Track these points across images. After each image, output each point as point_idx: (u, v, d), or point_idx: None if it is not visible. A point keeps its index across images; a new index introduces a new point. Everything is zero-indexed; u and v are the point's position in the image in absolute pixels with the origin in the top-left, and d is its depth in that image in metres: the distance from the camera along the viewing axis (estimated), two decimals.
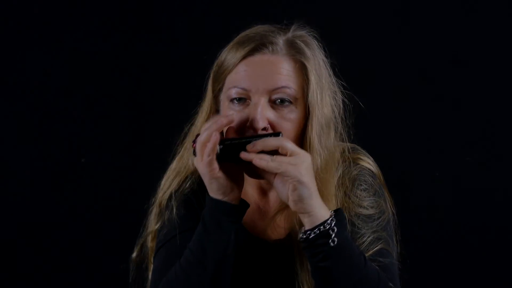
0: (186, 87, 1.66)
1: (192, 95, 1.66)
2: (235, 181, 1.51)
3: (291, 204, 1.46)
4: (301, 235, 1.47)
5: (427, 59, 2.59)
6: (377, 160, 1.70)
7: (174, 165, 1.70)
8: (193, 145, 1.51)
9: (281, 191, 1.48)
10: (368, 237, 1.58)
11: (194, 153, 1.50)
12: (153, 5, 2.63)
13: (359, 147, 1.69)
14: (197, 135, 1.51)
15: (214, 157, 1.46)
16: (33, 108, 2.63)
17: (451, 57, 2.59)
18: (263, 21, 1.62)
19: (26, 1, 2.59)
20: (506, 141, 2.58)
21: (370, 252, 1.56)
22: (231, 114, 1.51)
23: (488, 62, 2.57)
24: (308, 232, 1.46)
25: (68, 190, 2.64)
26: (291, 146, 1.46)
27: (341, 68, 1.63)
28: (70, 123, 2.63)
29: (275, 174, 1.47)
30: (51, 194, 2.64)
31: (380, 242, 1.58)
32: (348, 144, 1.65)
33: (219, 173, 1.47)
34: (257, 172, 1.49)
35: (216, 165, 1.47)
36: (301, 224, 1.50)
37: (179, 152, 1.69)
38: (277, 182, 1.48)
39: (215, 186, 1.49)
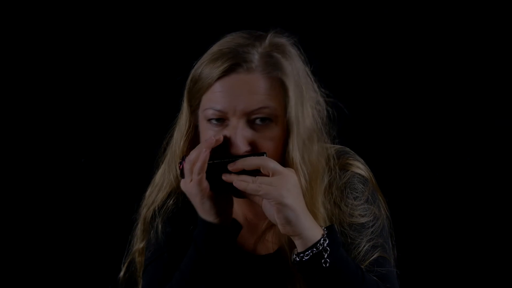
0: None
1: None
2: (226, 199, 1.47)
3: (279, 227, 1.42)
4: (294, 256, 1.44)
5: (426, 58, 2.52)
6: (375, 162, 1.64)
7: (157, 180, 1.66)
8: (179, 166, 1.47)
9: (269, 213, 1.44)
10: (364, 246, 1.53)
11: (182, 175, 1.46)
12: (147, 14, 2.59)
13: (348, 149, 1.63)
14: (183, 157, 1.47)
15: (204, 175, 1.42)
16: (33, 108, 2.60)
17: (450, 57, 2.51)
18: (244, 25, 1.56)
19: (26, 1, 2.56)
20: (506, 141, 2.52)
21: (367, 262, 1.52)
22: (217, 135, 1.46)
23: (489, 62, 2.50)
24: (301, 254, 1.42)
25: (68, 190, 2.61)
26: (273, 165, 1.41)
27: (325, 73, 1.56)
28: (70, 123, 2.60)
29: None
30: (50, 194, 2.61)
31: (377, 250, 1.54)
32: (336, 146, 1.59)
33: (210, 192, 1.43)
34: (242, 193, 1.44)
35: (206, 184, 1.43)
36: (291, 241, 1.46)
37: (161, 166, 1.65)
38: (265, 203, 1.44)
39: (207, 207, 1.45)
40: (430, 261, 2.55)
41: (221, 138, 1.45)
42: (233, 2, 2.49)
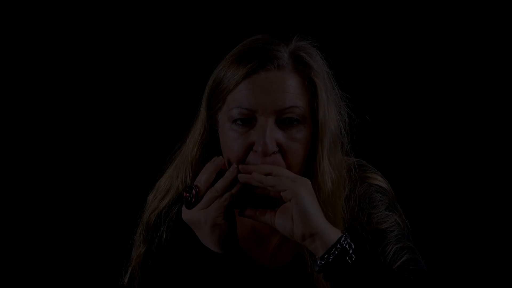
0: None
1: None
2: (231, 227, 1.43)
3: (298, 229, 1.35)
4: (318, 262, 1.35)
5: (431, 59, 2.52)
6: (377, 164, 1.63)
7: (161, 185, 1.61)
8: (187, 195, 1.41)
9: (284, 225, 1.38)
10: (390, 250, 1.47)
11: (191, 204, 1.41)
12: (154, 17, 2.57)
13: (364, 162, 1.60)
14: (191, 186, 1.42)
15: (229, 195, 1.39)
16: (33, 108, 2.57)
17: (452, 59, 2.52)
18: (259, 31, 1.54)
19: (25, 1, 2.53)
20: (506, 141, 2.52)
21: (398, 263, 1.46)
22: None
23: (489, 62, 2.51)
24: (325, 256, 1.34)
25: (67, 190, 2.59)
26: (286, 171, 1.39)
27: (344, 78, 1.55)
28: (73, 125, 2.58)
29: (275, 212, 1.39)
30: (50, 194, 2.58)
31: (404, 251, 1.48)
32: (354, 159, 1.56)
33: (221, 218, 1.40)
34: (254, 215, 1.42)
35: (224, 208, 1.39)
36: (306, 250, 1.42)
37: (167, 171, 1.61)
38: (278, 218, 1.39)
39: (217, 234, 1.40)
40: (431, 261, 2.54)
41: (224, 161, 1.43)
42: (244, 11, 2.50)
